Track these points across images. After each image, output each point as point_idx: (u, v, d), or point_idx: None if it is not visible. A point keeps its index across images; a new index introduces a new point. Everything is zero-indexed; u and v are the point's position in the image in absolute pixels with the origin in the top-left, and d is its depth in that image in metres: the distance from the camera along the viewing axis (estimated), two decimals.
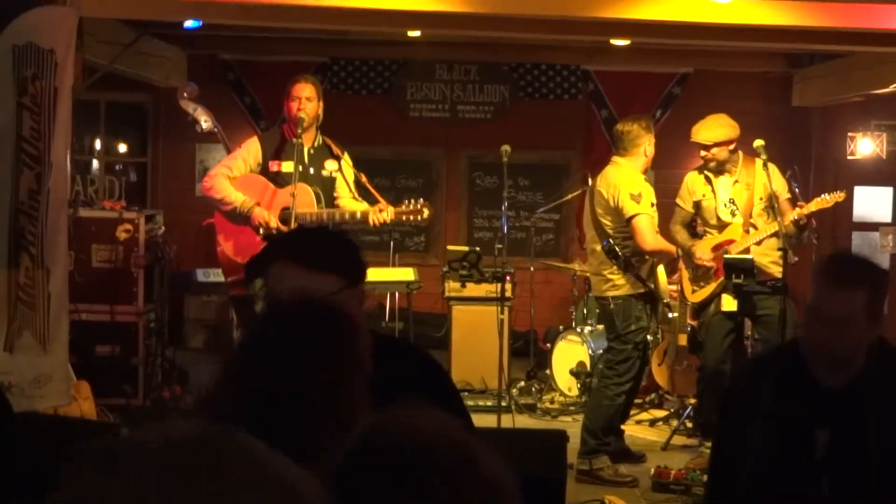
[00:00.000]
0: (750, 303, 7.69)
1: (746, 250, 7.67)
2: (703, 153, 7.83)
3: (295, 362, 2.27)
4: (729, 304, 7.73)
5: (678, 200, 8.15)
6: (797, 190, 7.89)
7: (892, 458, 3.37)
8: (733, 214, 7.79)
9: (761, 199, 7.71)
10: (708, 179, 7.89)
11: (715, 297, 7.84)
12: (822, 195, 7.54)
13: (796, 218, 7.44)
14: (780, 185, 7.73)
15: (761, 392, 3.48)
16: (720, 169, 7.83)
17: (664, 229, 7.97)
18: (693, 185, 8.02)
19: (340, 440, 2.13)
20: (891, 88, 9.71)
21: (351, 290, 2.86)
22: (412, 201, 7.41)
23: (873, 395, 3.40)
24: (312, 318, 2.37)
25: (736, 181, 7.81)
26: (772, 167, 7.70)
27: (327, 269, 2.84)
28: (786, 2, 7.37)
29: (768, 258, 7.68)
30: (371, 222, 7.24)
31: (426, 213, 7.40)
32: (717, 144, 7.75)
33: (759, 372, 3.65)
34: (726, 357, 7.77)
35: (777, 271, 7.64)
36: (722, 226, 7.87)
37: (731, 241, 7.78)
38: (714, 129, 7.80)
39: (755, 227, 7.73)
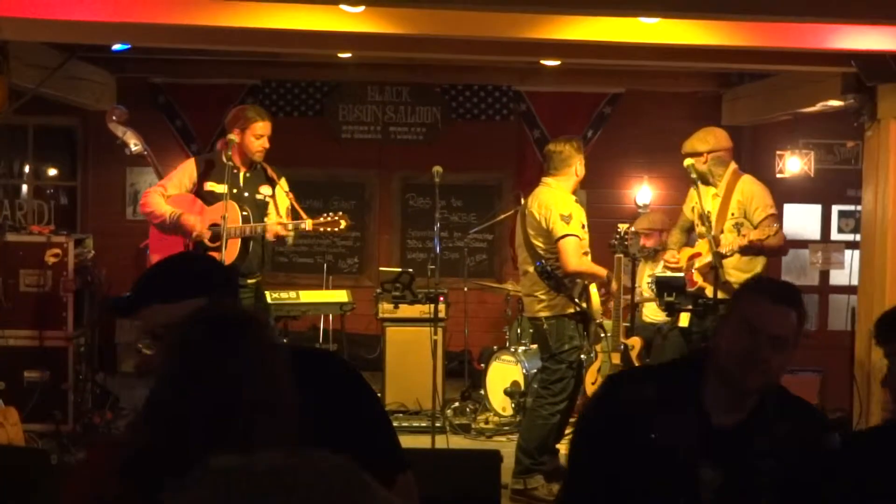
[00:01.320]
0: (706, 321, 7.75)
1: (706, 266, 7.77)
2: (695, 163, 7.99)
3: (225, 368, 2.29)
4: (685, 320, 7.84)
5: (683, 207, 8.45)
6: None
7: (781, 501, 3.36)
8: (706, 227, 7.88)
9: (733, 214, 7.80)
10: (697, 187, 8.01)
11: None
12: (763, 224, 7.65)
13: (741, 245, 7.57)
14: (756, 203, 7.84)
15: (638, 420, 3.38)
16: (704, 180, 7.93)
17: (598, 248, 8.01)
18: (692, 192, 8.16)
19: (283, 437, 2.16)
20: (818, 107, 9.83)
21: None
22: (330, 214, 7.56)
23: (767, 436, 3.37)
24: (228, 322, 2.38)
25: (716, 194, 7.92)
26: (750, 187, 7.85)
27: (193, 295, 2.81)
28: (713, 22, 7.42)
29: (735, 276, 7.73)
30: (287, 230, 7.46)
31: (342, 223, 7.59)
32: (688, 155, 7.96)
33: (638, 398, 3.47)
34: None
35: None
36: (700, 237, 8.10)
37: (698, 255, 7.93)
38: (688, 141, 8.08)
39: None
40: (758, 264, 7.85)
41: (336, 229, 7.63)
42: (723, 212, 7.88)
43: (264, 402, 2.28)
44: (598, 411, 3.62)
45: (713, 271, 7.54)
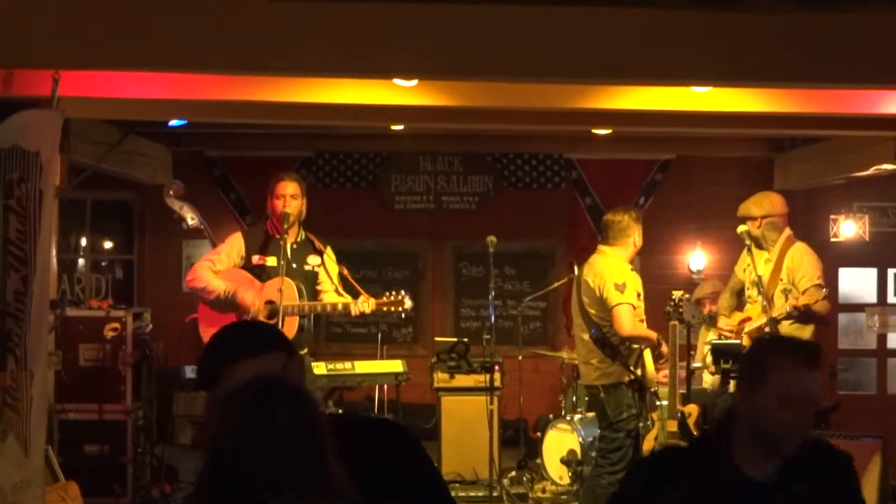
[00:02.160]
0: None
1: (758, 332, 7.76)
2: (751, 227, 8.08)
3: (273, 433, 2.36)
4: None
5: (735, 268, 8.51)
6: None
7: None
8: (758, 292, 7.90)
9: (782, 280, 7.83)
10: (750, 251, 8.04)
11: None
12: (808, 292, 7.65)
13: (788, 310, 7.57)
14: (803, 272, 7.85)
15: (663, 495, 3.37)
16: (758, 244, 7.97)
17: (652, 315, 8.00)
18: (744, 255, 8.18)
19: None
20: (871, 171, 9.79)
21: (294, 360, 3.01)
22: (393, 293, 7.57)
23: (804, 485, 3.35)
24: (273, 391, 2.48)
25: (768, 259, 7.94)
26: (800, 254, 7.85)
27: (270, 349, 2.97)
28: (764, 89, 7.44)
29: None
30: (353, 313, 7.40)
31: (406, 303, 7.54)
32: (743, 219, 8.07)
33: (659, 473, 3.47)
34: None
35: None
36: (749, 300, 8.14)
37: (748, 319, 7.93)
38: (744, 204, 8.18)
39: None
40: (806, 332, 7.82)
41: (399, 309, 7.63)
42: (774, 277, 7.89)
43: (309, 466, 2.35)
44: (629, 487, 3.61)
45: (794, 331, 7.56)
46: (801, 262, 7.88)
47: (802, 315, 7.65)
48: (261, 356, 2.91)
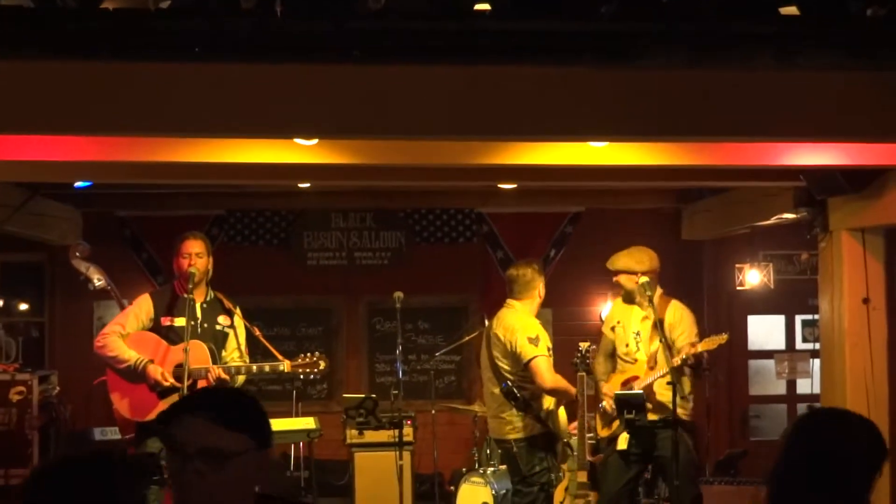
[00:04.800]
0: (645, 441, 7.77)
1: (649, 387, 7.78)
2: (628, 282, 8.00)
3: None
4: (622, 443, 7.83)
5: (603, 328, 8.38)
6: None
7: None
8: (638, 347, 7.91)
9: (663, 338, 7.81)
10: (626, 307, 8.05)
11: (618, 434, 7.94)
12: (709, 337, 7.72)
13: (684, 357, 7.61)
14: (682, 328, 7.89)
15: None
16: (630, 299, 7.99)
17: (562, 367, 8.07)
18: (613, 311, 8.21)
19: None
20: (773, 220, 9.96)
21: (257, 453, 2.88)
22: (308, 354, 7.58)
23: None
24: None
25: (645, 316, 7.95)
26: (679, 312, 7.90)
27: (240, 429, 2.85)
28: (661, 143, 7.56)
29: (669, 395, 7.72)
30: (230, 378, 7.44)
31: (321, 365, 7.58)
32: (620, 272, 8.01)
33: None
34: (621, 496, 7.86)
35: (682, 408, 7.73)
36: (627, 357, 7.99)
37: (635, 378, 7.91)
38: (622, 258, 8.11)
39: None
40: (686, 384, 7.90)
41: (315, 370, 7.65)
42: (654, 334, 7.89)
43: None
44: None
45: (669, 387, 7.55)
46: (681, 319, 7.96)
47: (697, 364, 7.74)
48: (217, 426, 2.80)
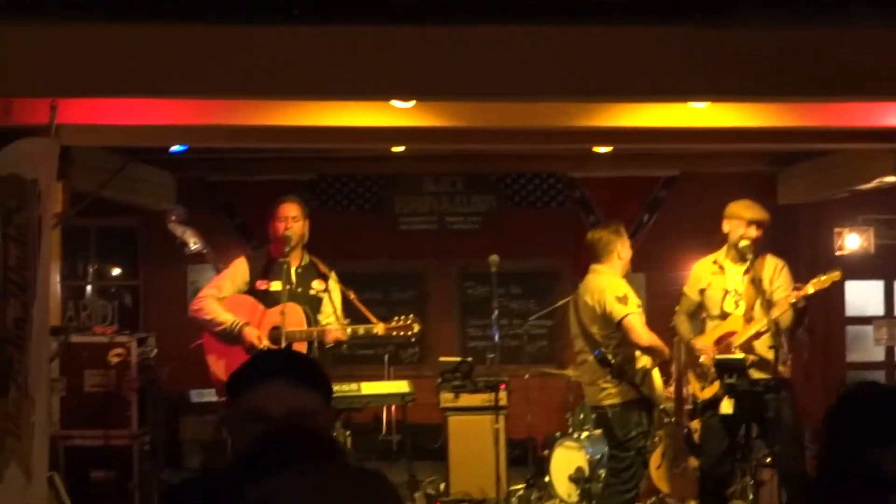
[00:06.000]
0: (750, 404, 7.61)
1: (747, 343, 7.59)
2: (740, 230, 7.79)
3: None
4: (727, 407, 7.66)
5: (685, 289, 8.15)
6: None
7: None
8: (736, 305, 7.75)
9: (764, 294, 7.67)
10: (721, 268, 7.87)
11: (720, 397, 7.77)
12: (818, 276, 7.49)
13: (794, 301, 7.38)
14: (780, 281, 7.71)
15: None
16: (742, 255, 7.76)
17: (660, 331, 7.98)
18: (700, 272, 8.02)
19: None
20: (874, 183, 9.77)
21: (328, 410, 2.93)
22: (401, 317, 7.58)
23: None
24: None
25: (746, 271, 7.76)
26: (780, 267, 7.73)
27: (316, 388, 2.87)
28: (762, 104, 7.43)
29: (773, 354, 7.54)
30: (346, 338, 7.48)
31: (416, 328, 7.57)
32: (755, 223, 7.79)
33: None
34: (725, 459, 7.74)
35: (784, 365, 7.58)
36: (724, 316, 7.83)
37: (732, 333, 7.73)
38: (754, 208, 7.87)
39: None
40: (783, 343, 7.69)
41: (409, 333, 7.65)
42: (755, 292, 7.69)
43: None
44: None
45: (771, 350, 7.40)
46: (779, 273, 7.76)
47: (803, 311, 7.52)
48: (298, 387, 2.82)
